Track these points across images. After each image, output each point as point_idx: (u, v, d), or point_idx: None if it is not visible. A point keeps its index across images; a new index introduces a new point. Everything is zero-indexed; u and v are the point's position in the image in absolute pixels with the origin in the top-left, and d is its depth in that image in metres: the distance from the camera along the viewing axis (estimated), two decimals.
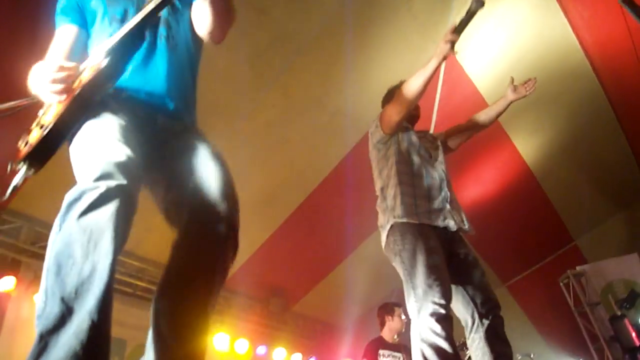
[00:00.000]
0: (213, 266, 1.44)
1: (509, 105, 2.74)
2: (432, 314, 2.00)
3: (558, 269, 6.11)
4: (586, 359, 5.77)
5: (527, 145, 5.33)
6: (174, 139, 1.59)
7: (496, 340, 2.15)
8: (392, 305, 4.13)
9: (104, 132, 1.37)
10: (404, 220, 2.29)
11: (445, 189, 2.46)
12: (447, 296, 2.07)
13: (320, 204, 5.03)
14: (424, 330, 2.00)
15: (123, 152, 1.32)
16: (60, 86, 1.35)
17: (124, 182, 1.24)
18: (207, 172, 1.53)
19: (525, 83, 2.72)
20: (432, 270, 2.10)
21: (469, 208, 5.15)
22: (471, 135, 2.85)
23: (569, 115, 5.04)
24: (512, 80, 2.74)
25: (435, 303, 2.02)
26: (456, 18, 2.40)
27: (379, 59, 4.25)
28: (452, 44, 2.36)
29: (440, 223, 2.32)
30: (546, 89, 4.44)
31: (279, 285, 6.17)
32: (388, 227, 2.36)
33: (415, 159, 2.50)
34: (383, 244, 2.43)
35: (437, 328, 1.98)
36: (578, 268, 5.98)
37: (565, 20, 4.27)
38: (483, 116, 2.82)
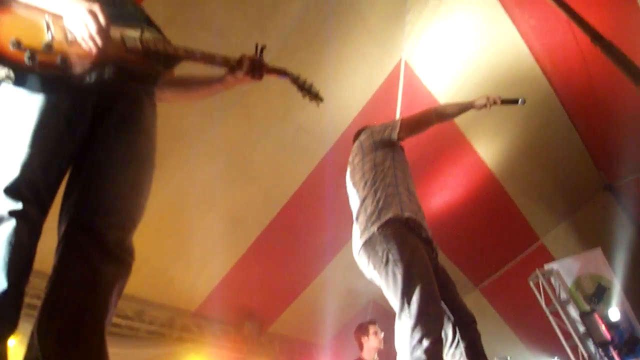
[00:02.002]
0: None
1: (469, 109, 2.79)
2: (427, 335, 1.90)
3: (527, 268, 6.24)
4: (562, 358, 5.87)
5: (489, 150, 5.47)
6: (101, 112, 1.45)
7: (477, 356, 2.13)
8: (365, 324, 4.09)
9: (21, 119, 1.27)
10: (400, 216, 2.21)
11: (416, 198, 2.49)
12: (441, 316, 2.02)
13: (289, 222, 5.00)
14: (417, 353, 1.90)
15: (31, 157, 1.23)
16: (97, 45, 1.31)
17: (19, 207, 1.18)
18: (110, 168, 1.38)
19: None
20: (429, 287, 2.03)
21: (437, 215, 5.25)
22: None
23: (525, 119, 5.20)
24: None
25: (431, 324, 1.93)
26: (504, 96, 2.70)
27: (337, 74, 4.29)
28: (487, 104, 2.63)
29: (426, 234, 2.29)
30: (501, 95, 4.59)
31: (253, 308, 6.06)
32: (373, 231, 2.24)
33: (406, 171, 2.55)
34: (360, 253, 2.33)
35: (431, 351, 1.88)
36: (546, 266, 6.11)
37: (514, 29, 4.44)
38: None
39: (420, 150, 4.69)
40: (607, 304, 5.76)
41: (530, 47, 4.61)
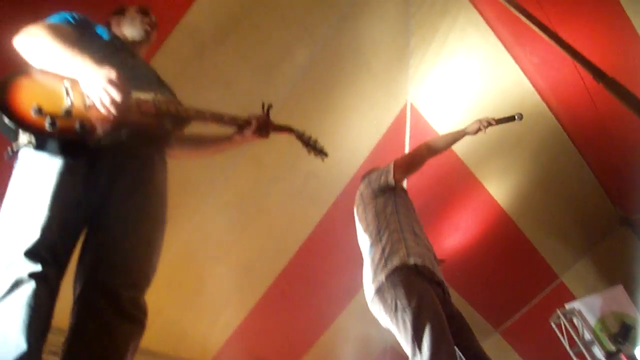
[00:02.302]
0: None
1: (462, 137, 2.83)
2: None
3: (548, 308, 6.05)
4: None
5: (500, 188, 5.43)
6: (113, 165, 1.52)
7: None
8: None
9: (41, 183, 1.32)
10: (406, 263, 2.22)
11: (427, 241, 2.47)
12: (454, 358, 1.99)
13: (302, 269, 4.95)
14: None
15: (51, 220, 1.27)
16: (114, 109, 1.37)
17: (38, 269, 1.21)
18: (125, 224, 1.43)
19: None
20: (439, 331, 2.01)
21: (450, 257, 5.17)
22: None
23: (534, 155, 5.19)
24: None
25: None
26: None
27: (344, 119, 4.35)
28: (481, 127, 2.75)
29: (435, 277, 2.27)
30: (507, 133, 4.60)
31: (268, 357, 5.93)
32: (382, 279, 2.25)
33: (411, 212, 2.53)
34: (372, 301, 2.33)
35: None
36: (567, 306, 5.94)
37: (517, 67, 4.50)
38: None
39: (429, 192, 4.67)
40: (633, 343, 5.54)
41: (534, 84, 4.65)
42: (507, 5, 2.53)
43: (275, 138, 2.32)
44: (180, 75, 3.25)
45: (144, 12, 1.98)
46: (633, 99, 2.09)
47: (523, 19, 2.40)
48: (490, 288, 5.99)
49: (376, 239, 2.42)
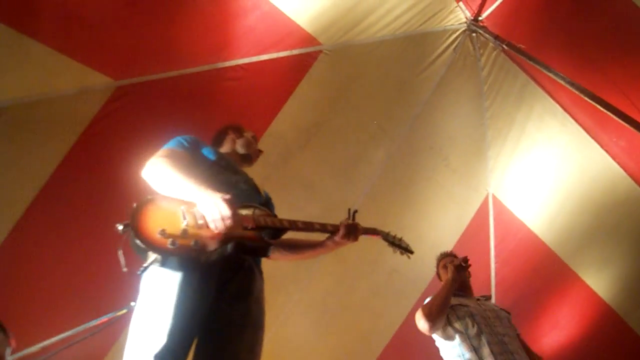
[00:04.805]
0: None
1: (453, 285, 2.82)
2: None
3: None
4: None
5: (600, 281, 5.03)
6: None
7: None
8: None
9: (166, 295, 1.52)
10: None
11: (516, 353, 2.44)
12: None
13: None
14: None
15: (174, 327, 1.45)
16: (223, 227, 1.59)
17: None
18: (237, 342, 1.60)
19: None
20: None
21: (553, 356, 4.75)
22: None
23: (634, 243, 4.82)
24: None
25: None
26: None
27: (425, 214, 4.36)
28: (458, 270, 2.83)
29: None
30: (602, 221, 4.36)
31: None
32: None
33: (474, 330, 2.54)
34: None
35: None
36: None
37: (603, 152, 4.35)
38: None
39: (521, 289, 4.45)
40: None
41: (625, 168, 4.44)
42: (584, 97, 2.54)
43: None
44: (267, 180, 3.48)
45: (256, 140, 2.44)
46: None
47: (601, 108, 2.39)
48: None
49: None
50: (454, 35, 4.06)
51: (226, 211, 1.58)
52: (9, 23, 2.51)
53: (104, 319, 2.38)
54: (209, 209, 1.59)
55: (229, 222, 1.58)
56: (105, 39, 2.90)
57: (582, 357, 5.10)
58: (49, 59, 2.73)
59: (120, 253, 1.58)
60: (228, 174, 2.00)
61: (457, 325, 2.65)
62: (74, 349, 2.47)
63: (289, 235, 2.06)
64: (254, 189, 2.09)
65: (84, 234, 3.12)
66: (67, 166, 3.00)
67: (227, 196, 1.63)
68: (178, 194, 1.67)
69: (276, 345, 4.16)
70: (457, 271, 2.81)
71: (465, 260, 2.87)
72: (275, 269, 3.85)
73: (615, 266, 5.01)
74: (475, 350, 2.50)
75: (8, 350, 1.97)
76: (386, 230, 2.36)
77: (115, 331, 2.83)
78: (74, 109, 2.98)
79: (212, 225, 1.59)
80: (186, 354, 1.54)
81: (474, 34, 4.06)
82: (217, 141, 2.42)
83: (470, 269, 2.97)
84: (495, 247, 4.49)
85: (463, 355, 2.53)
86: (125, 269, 1.59)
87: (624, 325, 5.19)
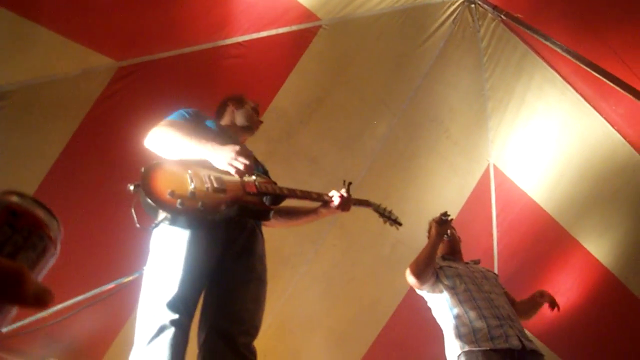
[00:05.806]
0: None
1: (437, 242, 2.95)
2: None
3: None
4: None
5: (600, 247, 5.11)
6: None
7: None
8: None
9: (176, 250, 1.64)
10: (467, 349, 2.45)
11: (502, 307, 2.56)
12: None
13: (395, 338, 4.86)
14: None
15: (184, 278, 1.57)
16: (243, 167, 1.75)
17: (176, 317, 1.50)
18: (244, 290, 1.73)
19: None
20: None
21: (554, 322, 4.86)
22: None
23: (633, 209, 4.89)
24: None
25: None
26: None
27: (427, 186, 4.41)
28: (439, 224, 2.92)
29: (502, 345, 2.39)
30: (601, 188, 4.42)
31: None
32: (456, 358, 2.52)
33: (462, 287, 2.72)
34: None
35: None
36: None
37: (603, 119, 4.37)
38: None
39: (522, 257, 4.53)
40: None
41: (625, 135, 4.47)
42: (583, 66, 2.56)
43: (361, 209, 2.53)
44: (271, 155, 3.53)
45: (257, 111, 2.49)
46: None
47: (600, 77, 2.42)
48: (601, 353, 5.48)
49: (442, 322, 2.84)
50: (453, 7, 4.05)
51: (247, 158, 1.72)
52: (12, 8, 2.53)
53: (116, 283, 2.58)
54: (230, 161, 1.73)
55: (246, 161, 1.73)
56: (106, 20, 2.92)
57: (584, 322, 5.22)
58: (51, 42, 2.76)
59: (132, 211, 1.68)
60: (231, 143, 2.07)
61: (445, 281, 2.82)
62: (98, 313, 2.61)
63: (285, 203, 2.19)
64: (255, 159, 2.19)
65: (91, 214, 3.19)
66: (74, 147, 3.06)
67: (237, 147, 1.76)
68: (186, 153, 1.78)
69: (284, 317, 4.27)
70: (438, 225, 2.91)
71: (445, 214, 2.94)
72: (282, 243, 3.96)
73: (615, 232, 5.09)
74: (462, 304, 2.64)
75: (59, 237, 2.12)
76: (383, 205, 2.59)
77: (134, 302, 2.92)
78: (78, 90, 3.02)
79: (230, 169, 1.74)
80: (196, 303, 1.65)
81: (472, 5, 4.06)
82: (218, 114, 2.49)
83: (454, 231, 3.21)
84: (497, 216, 4.56)
85: (451, 309, 2.68)
86: (138, 225, 1.68)
87: (625, 290, 5.30)
